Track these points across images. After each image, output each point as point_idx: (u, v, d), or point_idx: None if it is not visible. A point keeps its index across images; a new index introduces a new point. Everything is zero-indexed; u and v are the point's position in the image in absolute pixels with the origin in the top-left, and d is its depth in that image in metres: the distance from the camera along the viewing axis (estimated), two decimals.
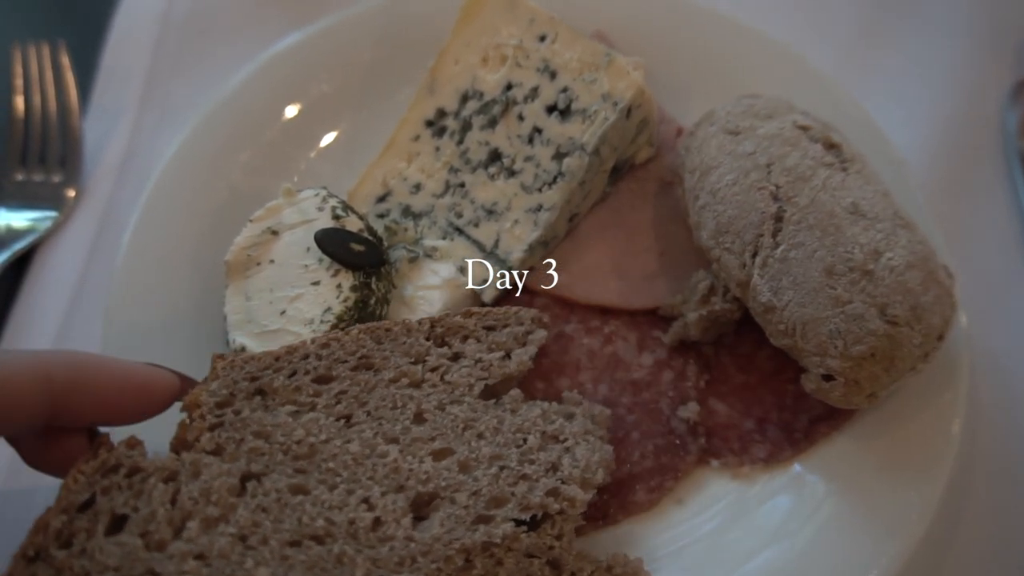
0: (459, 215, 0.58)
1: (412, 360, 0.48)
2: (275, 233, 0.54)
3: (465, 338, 0.50)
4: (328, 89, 0.66)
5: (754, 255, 0.49)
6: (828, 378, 0.48)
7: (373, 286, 0.51)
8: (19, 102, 0.69)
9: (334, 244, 0.51)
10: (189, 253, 0.59)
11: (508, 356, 0.50)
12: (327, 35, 0.67)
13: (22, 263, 0.65)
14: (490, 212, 0.57)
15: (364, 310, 0.51)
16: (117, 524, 0.41)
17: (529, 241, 0.56)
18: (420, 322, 0.50)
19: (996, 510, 0.54)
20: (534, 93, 0.58)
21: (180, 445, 0.44)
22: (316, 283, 0.51)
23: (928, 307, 0.47)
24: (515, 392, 0.49)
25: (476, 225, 0.57)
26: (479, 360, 0.49)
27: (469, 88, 0.60)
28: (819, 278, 0.47)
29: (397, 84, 0.65)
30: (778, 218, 0.49)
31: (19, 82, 0.69)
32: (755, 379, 0.54)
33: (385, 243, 0.55)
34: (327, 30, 0.67)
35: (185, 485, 0.42)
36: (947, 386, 0.52)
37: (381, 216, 0.59)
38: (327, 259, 0.51)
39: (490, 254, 0.56)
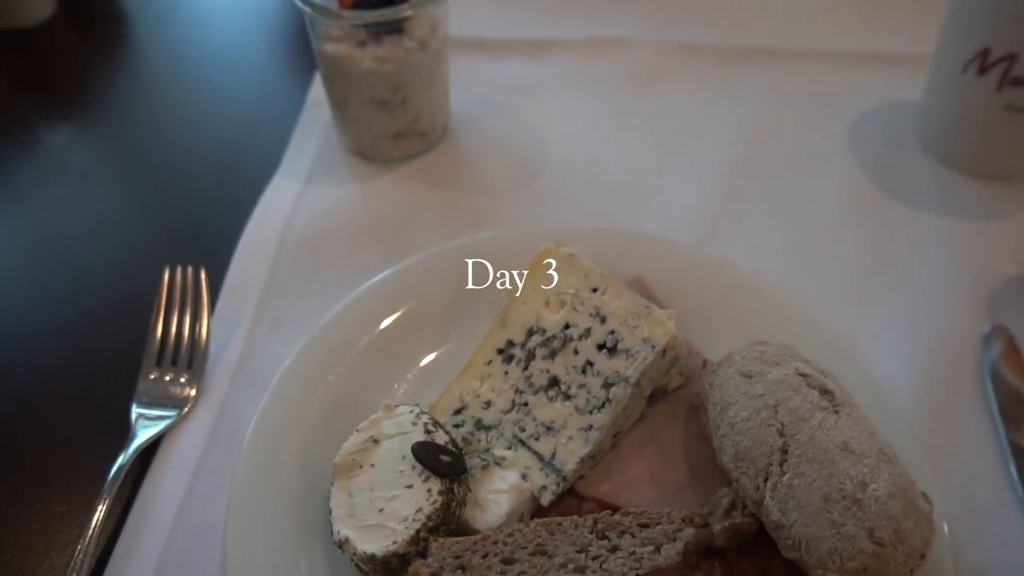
0: (523, 429, 0.70)
1: (577, 549, 0.61)
2: (376, 442, 0.66)
3: (622, 533, 0.62)
4: (419, 318, 0.80)
5: (765, 480, 0.60)
6: None
7: (455, 490, 0.63)
8: (161, 315, 0.85)
9: (428, 456, 0.63)
10: (299, 453, 0.71)
11: (658, 550, 0.61)
12: (415, 269, 0.83)
13: (150, 451, 0.78)
14: (549, 428, 0.70)
15: (448, 511, 0.62)
16: None
17: (581, 455, 0.68)
18: (585, 518, 0.63)
19: None
20: (587, 333, 0.72)
21: None
22: (409, 486, 0.63)
23: (909, 531, 0.57)
24: None
25: (537, 439, 0.69)
26: (633, 552, 0.61)
27: (534, 325, 0.74)
28: (818, 503, 0.58)
29: (475, 320, 0.80)
30: (784, 451, 0.60)
31: (163, 299, 0.85)
32: None
33: (464, 452, 0.67)
34: (417, 264, 0.83)
35: None
36: None
37: (457, 426, 0.72)
38: (419, 466, 0.63)
39: (548, 464, 0.68)
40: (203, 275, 0.86)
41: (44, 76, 1.17)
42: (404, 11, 0.84)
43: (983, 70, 0.89)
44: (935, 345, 0.84)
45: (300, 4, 0.85)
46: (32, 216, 0.99)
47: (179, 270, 0.87)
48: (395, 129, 0.93)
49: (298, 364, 0.76)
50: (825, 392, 0.63)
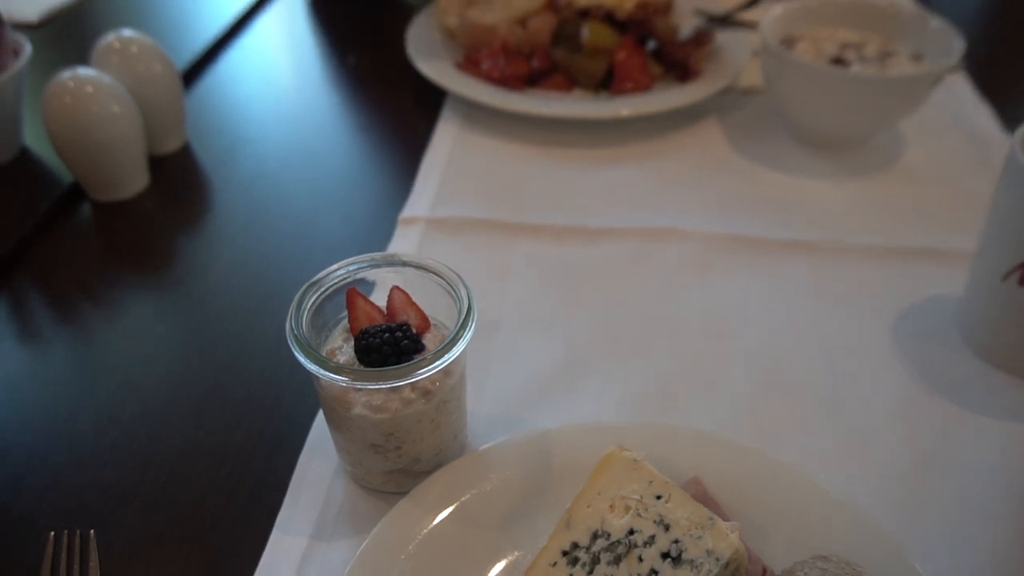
0: None
1: None
2: None
3: None
4: (483, 513, 0.83)
5: None
6: None
7: None
8: None
9: None
10: None
11: None
12: (477, 463, 0.86)
13: None
14: None
15: None
16: None
17: None
18: None
19: None
20: (651, 540, 0.74)
21: None
22: None
23: None
24: None
25: None
26: None
27: (599, 528, 0.76)
28: None
29: (539, 518, 0.82)
30: None
31: None
32: None
33: None
34: (478, 457, 0.86)
35: None
36: None
37: None
38: None
39: None
40: None
41: (133, 245, 1.27)
42: (413, 373, 0.73)
43: (1023, 281, 0.94)
44: (993, 557, 0.84)
45: (297, 352, 0.76)
46: (112, 376, 1.05)
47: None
48: (388, 469, 0.84)
49: (367, 557, 0.78)
50: None
